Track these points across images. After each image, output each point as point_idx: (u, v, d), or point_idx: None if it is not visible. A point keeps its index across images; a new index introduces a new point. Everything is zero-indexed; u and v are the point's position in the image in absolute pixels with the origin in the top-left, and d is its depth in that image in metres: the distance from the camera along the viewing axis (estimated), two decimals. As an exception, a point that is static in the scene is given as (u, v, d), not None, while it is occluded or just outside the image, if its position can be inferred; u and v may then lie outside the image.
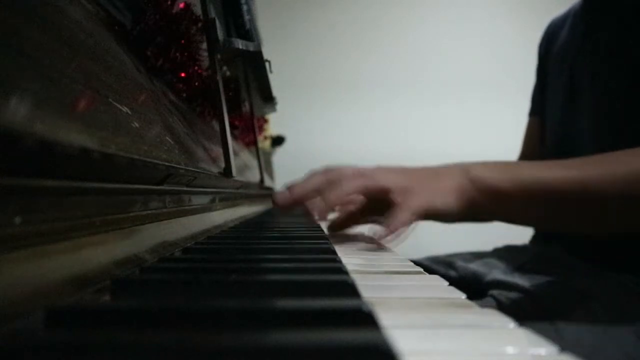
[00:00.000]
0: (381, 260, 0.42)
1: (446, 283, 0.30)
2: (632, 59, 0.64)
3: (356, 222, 0.64)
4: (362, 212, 0.62)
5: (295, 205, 0.54)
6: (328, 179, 0.53)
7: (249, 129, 1.03)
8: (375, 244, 0.52)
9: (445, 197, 0.53)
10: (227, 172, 0.57)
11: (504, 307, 0.56)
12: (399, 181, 0.52)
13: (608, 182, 0.51)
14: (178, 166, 0.39)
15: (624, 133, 0.66)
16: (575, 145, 0.75)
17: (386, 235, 0.49)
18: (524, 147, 0.99)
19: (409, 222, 0.50)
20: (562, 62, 0.81)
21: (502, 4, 2.52)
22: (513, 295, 0.59)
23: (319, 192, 0.52)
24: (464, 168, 0.55)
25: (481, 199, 0.53)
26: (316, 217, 0.51)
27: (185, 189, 0.46)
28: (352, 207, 0.62)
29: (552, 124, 0.84)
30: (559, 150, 0.80)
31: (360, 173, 0.53)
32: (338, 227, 0.64)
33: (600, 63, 0.71)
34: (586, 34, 0.76)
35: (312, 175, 0.55)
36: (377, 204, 0.55)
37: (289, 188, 0.54)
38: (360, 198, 0.58)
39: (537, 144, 0.92)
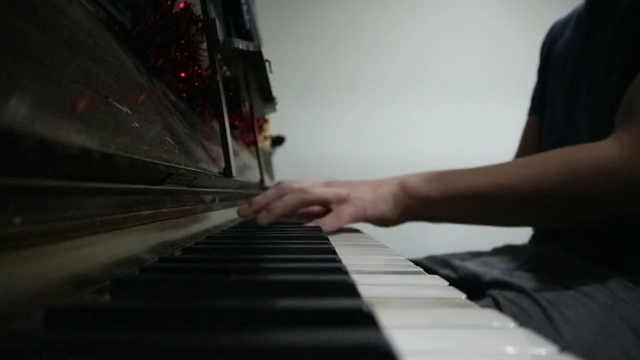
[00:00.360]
0: (381, 260, 0.42)
1: (446, 283, 0.30)
2: (632, 60, 0.64)
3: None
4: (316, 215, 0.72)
5: (254, 215, 0.64)
6: (278, 193, 0.63)
7: (249, 129, 1.03)
8: (373, 242, 0.53)
9: (379, 206, 0.63)
10: (227, 172, 0.57)
11: (503, 307, 0.56)
12: (337, 193, 0.62)
13: (525, 183, 0.59)
14: (178, 166, 0.39)
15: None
16: (575, 144, 0.75)
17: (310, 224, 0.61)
18: (520, 146, 0.99)
19: (335, 226, 0.61)
20: (564, 62, 0.82)
21: (502, 5, 2.52)
22: (512, 295, 0.59)
23: (266, 204, 0.62)
24: (402, 180, 0.64)
25: (415, 206, 0.64)
26: (259, 221, 0.62)
27: (185, 189, 0.46)
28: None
29: (552, 124, 0.84)
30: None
31: (300, 189, 0.62)
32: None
33: (601, 64, 0.71)
34: (588, 35, 0.76)
35: (267, 191, 0.65)
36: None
37: (249, 201, 0.65)
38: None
39: (534, 144, 0.92)
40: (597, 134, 0.70)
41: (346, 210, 0.61)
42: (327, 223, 0.61)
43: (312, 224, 0.62)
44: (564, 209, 0.61)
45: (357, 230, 0.68)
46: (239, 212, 0.65)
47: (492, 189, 0.60)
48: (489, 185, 0.60)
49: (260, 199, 0.64)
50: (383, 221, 0.64)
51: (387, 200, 0.63)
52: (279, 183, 0.67)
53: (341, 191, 0.63)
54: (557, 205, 0.60)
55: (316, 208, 0.69)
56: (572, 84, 0.78)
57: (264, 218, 0.61)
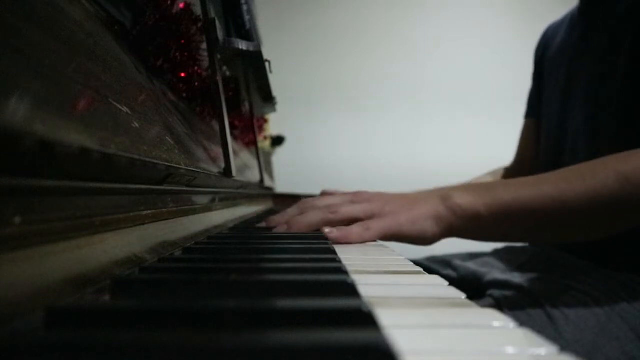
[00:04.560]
0: (381, 260, 0.42)
1: (446, 283, 0.30)
2: (627, 61, 0.65)
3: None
4: None
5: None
6: (300, 210, 0.59)
7: (249, 129, 1.03)
8: (373, 243, 0.53)
9: (417, 223, 0.55)
10: (227, 172, 0.57)
11: (503, 307, 0.56)
12: (369, 208, 0.56)
13: (583, 196, 0.54)
14: (178, 166, 0.39)
15: (619, 134, 0.66)
16: (571, 147, 0.75)
17: (331, 233, 0.52)
18: (519, 149, 0.99)
19: (360, 237, 0.52)
20: (559, 64, 0.82)
21: (505, 11, 2.52)
22: (513, 295, 0.59)
23: (287, 222, 0.57)
24: (443, 196, 0.57)
25: (461, 224, 0.56)
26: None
27: (185, 189, 0.46)
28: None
29: (548, 126, 0.84)
30: (554, 152, 0.80)
31: (330, 207, 0.57)
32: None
33: (596, 65, 0.71)
34: (582, 37, 0.76)
35: (289, 209, 0.61)
36: None
37: (266, 220, 0.61)
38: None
39: (532, 146, 0.92)
40: (594, 136, 0.70)
41: (377, 224, 0.54)
42: (352, 233, 0.53)
43: (335, 231, 0.53)
44: (620, 219, 0.56)
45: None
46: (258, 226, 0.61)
47: (542, 201, 0.55)
48: (538, 197, 0.55)
49: (280, 217, 0.60)
50: (421, 240, 0.56)
51: (427, 217, 0.56)
52: (324, 194, 0.63)
53: (373, 206, 0.56)
54: (614, 216, 0.56)
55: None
56: (567, 87, 0.78)
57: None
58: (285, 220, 0.58)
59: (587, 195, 0.54)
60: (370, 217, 0.55)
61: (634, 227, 0.57)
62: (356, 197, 0.59)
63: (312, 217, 0.56)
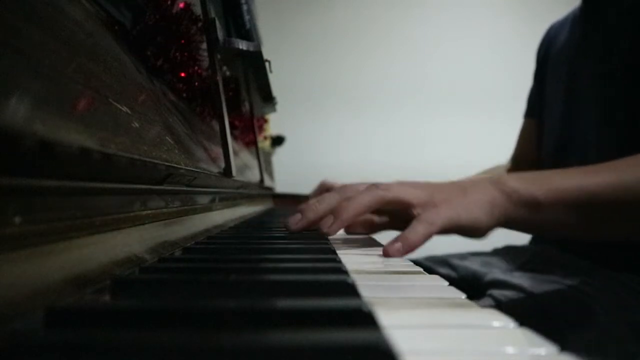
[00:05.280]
0: (381, 260, 0.42)
1: (446, 283, 0.30)
2: (629, 60, 0.65)
3: (372, 230, 0.62)
4: (380, 226, 0.60)
5: (309, 227, 0.52)
6: (342, 196, 0.51)
7: (249, 129, 1.03)
8: (373, 242, 0.52)
9: (474, 212, 0.49)
10: (227, 172, 0.57)
11: (503, 307, 0.56)
12: (421, 195, 0.49)
13: None
14: (178, 166, 0.39)
15: (623, 134, 0.66)
16: (575, 147, 0.75)
17: (399, 249, 0.45)
18: (517, 149, 0.99)
19: (427, 236, 0.46)
20: (561, 64, 0.82)
21: (509, 11, 2.52)
22: (513, 294, 0.59)
23: (331, 210, 0.49)
24: (496, 181, 0.52)
25: (516, 211, 0.51)
26: (324, 232, 0.49)
27: (185, 189, 0.46)
28: (371, 217, 0.59)
29: (551, 126, 0.84)
30: (558, 152, 0.80)
31: (376, 186, 0.49)
32: (352, 229, 0.61)
33: (599, 65, 0.71)
34: (585, 36, 0.76)
35: (325, 195, 0.53)
36: (398, 221, 0.52)
37: (301, 211, 0.52)
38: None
39: (531, 146, 0.92)
40: (598, 136, 0.70)
41: (439, 214, 0.47)
42: (418, 233, 0.45)
43: (398, 244, 0.45)
44: None
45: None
46: (287, 226, 0.53)
47: (604, 188, 0.50)
48: (600, 184, 0.50)
49: (318, 205, 0.51)
50: (477, 230, 0.50)
51: (482, 204, 0.50)
52: (323, 185, 0.55)
53: (422, 193, 0.49)
54: None
55: (375, 218, 0.58)
56: (570, 86, 0.78)
57: (331, 227, 0.48)
58: (325, 210, 0.50)
59: None
60: (422, 204, 0.48)
61: None
62: (400, 183, 0.52)
63: (362, 197, 0.48)
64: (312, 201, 0.53)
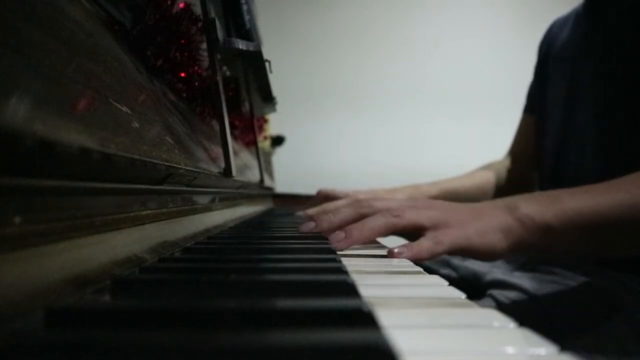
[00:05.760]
0: (381, 260, 0.42)
1: (446, 283, 0.30)
2: (632, 59, 0.65)
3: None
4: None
5: (324, 233, 0.52)
6: (357, 212, 0.51)
7: (249, 129, 1.03)
8: (373, 242, 0.52)
9: (487, 237, 0.50)
10: (227, 172, 0.57)
11: (503, 307, 0.56)
12: (434, 217, 0.50)
13: None
14: (178, 166, 0.39)
15: (623, 134, 0.66)
16: (575, 147, 0.75)
17: (401, 253, 0.46)
18: (513, 144, 0.99)
19: (432, 253, 0.47)
20: (563, 63, 0.82)
21: (509, 11, 2.51)
22: (513, 295, 0.59)
23: (343, 226, 0.50)
24: (509, 206, 0.52)
25: (531, 238, 0.51)
26: (334, 247, 0.48)
27: (185, 189, 0.46)
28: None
29: (553, 123, 0.84)
30: (559, 151, 0.80)
31: (392, 210, 0.50)
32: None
33: (600, 63, 0.71)
34: (587, 34, 0.76)
35: (342, 208, 0.53)
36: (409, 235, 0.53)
37: (315, 219, 0.53)
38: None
39: (529, 142, 0.92)
40: (598, 134, 0.70)
41: (447, 236, 0.48)
42: (423, 248, 0.46)
43: (406, 250, 0.46)
44: None
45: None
46: (301, 229, 0.54)
47: (616, 208, 0.51)
48: (611, 203, 0.51)
49: (332, 217, 0.52)
50: (490, 255, 0.51)
51: (495, 230, 0.50)
52: (321, 194, 0.55)
53: (438, 215, 0.50)
54: None
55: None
56: (572, 84, 0.78)
57: (340, 243, 0.48)
58: (338, 224, 0.51)
59: None
60: (435, 226, 0.49)
61: None
62: (415, 202, 0.53)
63: (375, 222, 0.49)
64: (327, 209, 0.53)
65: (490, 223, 0.51)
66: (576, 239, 0.52)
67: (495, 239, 0.50)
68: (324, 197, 0.80)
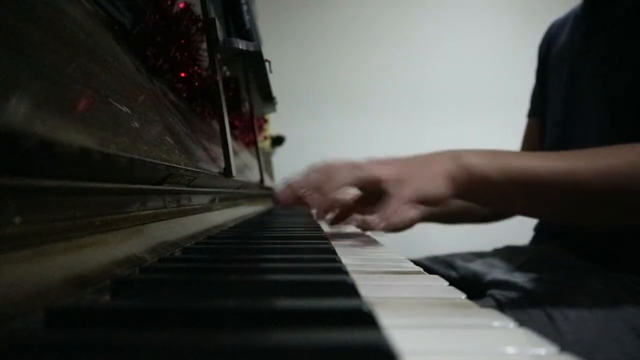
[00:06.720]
0: (381, 260, 0.42)
1: (446, 283, 0.30)
2: (630, 60, 0.65)
3: (354, 211, 0.66)
4: (359, 205, 0.64)
5: (296, 201, 0.57)
6: (323, 173, 0.56)
7: (249, 129, 1.03)
8: (373, 242, 0.53)
9: (436, 182, 0.55)
10: (227, 172, 0.57)
11: (503, 307, 0.56)
12: (391, 171, 0.55)
13: (595, 175, 0.53)
14: (178, 166, 0.39)
15: (624, 134, 0.66)
16: (575, 146, 0.75)
17: (379, 224, 0.50)
18: (522, 149, 0.99)
19: (401, 211, 0.52)
20: (562, 63, 0.82)
21: (510, 11, 2.51)
22: (513, 295, 0.59)
23: (316, 187, 0.55)
24: (455, 155, 0.57)
25: (470, 186, 0.56)
26: (316, 213, 0.53)
27: (185, 189, 0.46)
28: (348, 201, 0.64)
29: (552, 124, 0.84)
30: (558, 150, 0.80)
31: (353, 165, 0.55)
32: (338, 220, 0.66)
33: (600, 64, 0.71)
34: (586, 35, 0.76)
35: (309, 171, 0.58)
36: (373, 196, 0.57)
37: (289, 185, 0.58)
38: (355, 192, 0.60)
39: (536, 145, 0.92)
40: (598, 135, 0.70)
41: (406, 191, 0.53)
42: (390, 206, 0.52)
43: (380, 223, 0.52)
44: (628, 207, 0.55)
45: (358, 231, 0.68)
46: (275, 198, 0.59)
47: (553, 174, 0.54)
48: (550, 168, 0.54)
49: (303, 182, 0.57)
50: (439, 200, 0.56)
51: (441, 177, 0.55)
52: (311, 166, 0.60)
53: (393, 169, 0.55)
54: (622, 202, 0.55)
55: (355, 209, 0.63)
56: (571, 84, 0.78)
57: (318, 203, 0.54)
58: (309, 186, 0.56)
59: (597, 173, 0.53)
60: (393, 180, 0.54)
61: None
62: (373, 160, 0.58)
63: (343, 178, 0.54)
64: (297, 178, 0.58)
65: (437, 169, 0.56)
66: (513, 193, 0.56)
67: (441, 184, 0.55)
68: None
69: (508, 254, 0.79)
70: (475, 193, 0.57)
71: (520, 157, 0.57)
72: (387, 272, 0.35)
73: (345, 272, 0.31)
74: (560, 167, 0.54)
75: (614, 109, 0.67)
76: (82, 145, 0.23)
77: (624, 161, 0.53)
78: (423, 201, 0.55)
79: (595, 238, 0.69)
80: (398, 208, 0.52)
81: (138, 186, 0.34)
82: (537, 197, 0.56)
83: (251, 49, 0.61)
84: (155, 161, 0.34)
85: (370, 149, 2.47)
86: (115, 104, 0.32)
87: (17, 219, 0.19)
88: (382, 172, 0.55)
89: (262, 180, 1.04)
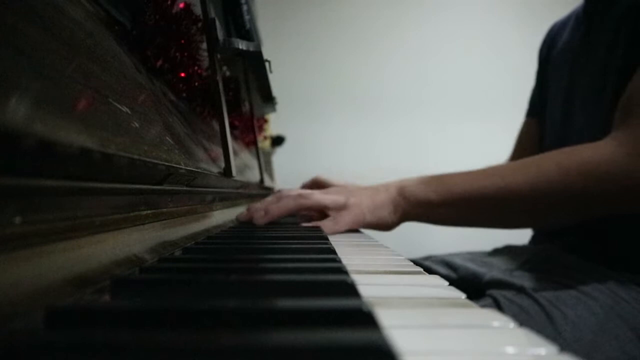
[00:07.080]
0: (381, 260, 0.42)
1: (446, 283, 0.30)
2: (630, 61, 0.65)
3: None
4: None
5: (251, 220, 0.66)
6: (276, 198, 0.66)
7: (249, 129, 1.03)
8: (373, 242, 0.53)
9: (378, 212, 0.65)
10: (227, 172, 0.57)
11: (503, 307, 0.56)
12: (336, 200, 0.64)
13: (526, 183, 0.60)
14: (178, 166, 0.39)
15: None
16: (572, 145, 0.75)
17: (309, 225, 0.63)
18: (516, 148, 0.99)
19: (334, 232, 0.62)
20: (563, 64, 0.82)
21: (513, 13, 2.51)
22: (512, 294, 0.59)
23: (265, 209, 0.65)
24: (398, 185, 0.67)
25: (415, 211, 0.66)
26: (255, 221, 0.64)
27: (185, 189, 0.46)
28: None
29: (551, 124, 0.84)
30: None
31: (302, 195, 0.64)
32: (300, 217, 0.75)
33: (599, 65, 0.71)
34: (586, 36, 0.76)
35: (266, 198, 0.68)
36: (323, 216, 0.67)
37: (248, 209, 0.68)
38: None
39: (531, 145, 0.92)
40: (594, 135, 0.70)
41: (345, 218, 0.63)
42: (326, 227, 0.62)
43: (311, 224, 0.64)
44: (562, 210, 0.61)
45: (356, 230, 0.68)
46: (237, 217, 0.68)
47: (489, 191, 0.62)
48: (486, 186, 0.62)
49: (259, 204, 0.66)
50: (381, 226, 0.66)
51: (385, 206, 0.65)
52: (279, 191, 0.70)
53: (339, 198, 0.64)
54: (555, 207, 0.61)
55: (314, 213, 0.71)
56: (570, 85, 0.78)
57: (259, 218, 0.64)
58: (264, 208, 0.65)
59: (528, 184, 0.59)
60: (338, 208, 0.64)
61: (596, 218, 0.63)
62: (326, 191, 0.67)
63: (285, 204, 0.63)
64: (257, 204, 0.68)
65: (381, 200, 0.66)
66: (453, 213, 0.65)
67: (385, 212, 0.66)
68: (313, 184, 0.81)
69: (507, 254, 0.79)
70: (419, 216, 0.66)
71: (458, 178, 0.65)
72: (387, 272, 0.35)
73: (345, 272, 0.31)
74: (495, 182, 0.62)
75: (613, 109, 0.67)
76: (82, 145, 0.23)
77: (550, 164, 0.59)
78: (362, 226, 0.65)
79: (595, 238, 0.69)
80: (330, 230, 0.62)
81: (138, 186, 0.34)
82: (474, 212, 0.64)
83: (251, 49, 0.61)
84: (155, 161, 0.34)
85: (370, 148, 2.49)
86: (115, 103, 0.32)
87: (17, 219, 0.19)
88: (327, 200, 0.64)
89: (262, 180, 1.04)
